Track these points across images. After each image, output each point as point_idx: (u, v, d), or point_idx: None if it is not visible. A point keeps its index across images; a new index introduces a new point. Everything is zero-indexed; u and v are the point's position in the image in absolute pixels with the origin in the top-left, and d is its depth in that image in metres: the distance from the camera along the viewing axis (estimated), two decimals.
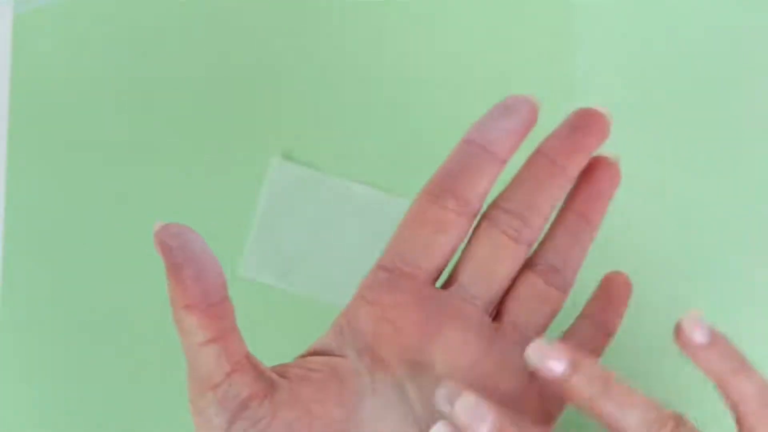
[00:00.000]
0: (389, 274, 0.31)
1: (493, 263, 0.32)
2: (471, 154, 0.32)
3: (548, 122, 0.44)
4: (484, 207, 0.33)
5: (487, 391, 0.28)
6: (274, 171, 0.43)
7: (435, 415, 0.28)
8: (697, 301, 0.44)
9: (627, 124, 0.45)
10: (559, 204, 0.34)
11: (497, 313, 0.33)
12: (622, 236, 0.44)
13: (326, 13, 0.45)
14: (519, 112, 0.32)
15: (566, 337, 0.34)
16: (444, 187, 0.32)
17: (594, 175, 0.34)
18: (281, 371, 0.30)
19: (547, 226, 0.34)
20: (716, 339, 0.28)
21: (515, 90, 0.44)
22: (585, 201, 0.34)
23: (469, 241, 0.33)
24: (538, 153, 0.33)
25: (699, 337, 0.28)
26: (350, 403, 0.29)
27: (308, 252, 0.43)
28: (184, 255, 0.27)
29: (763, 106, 0.45)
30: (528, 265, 0.34)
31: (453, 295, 0.32)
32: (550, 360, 0.26)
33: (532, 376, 0.29)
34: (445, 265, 0.33)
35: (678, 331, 0.28)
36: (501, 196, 0.33)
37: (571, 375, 0.26)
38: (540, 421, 0.31)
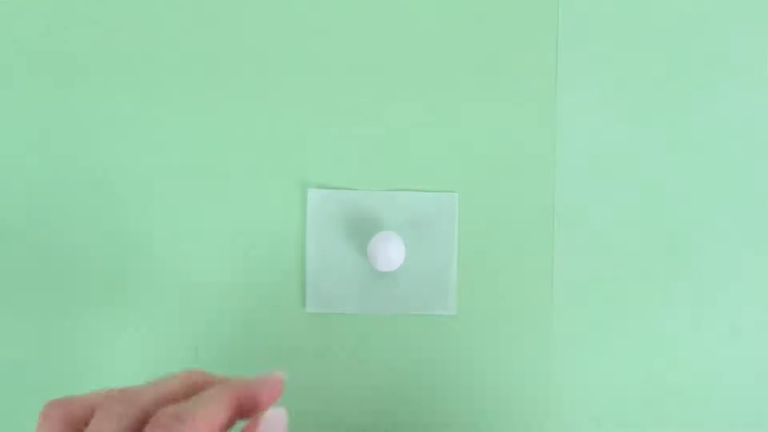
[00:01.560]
0: None
1: None
2: None
3: (531, 116, 0.45)
4: None
5: None
6: (313, 200, 0.44)
7: None
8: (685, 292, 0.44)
9: (607, 113, 0.45)
10: None
11: None
12: (605, 226, 0.44)
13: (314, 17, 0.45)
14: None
15: None
16: None
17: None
18: None
19: None
20: None
21: (502, 81, 0.44)
22: None
23: None
24: None
25: None
26: None
27: (361, 271, 0.44)
28: None
29: (746, 97, 0.45)
30: None
31: None
32: None
33: None
34: None
35: None
36: None
37: None
38: None
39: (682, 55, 0.45)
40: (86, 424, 0.35)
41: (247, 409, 0.31)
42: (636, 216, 0.44)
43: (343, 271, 0.44)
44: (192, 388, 0.34)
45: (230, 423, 0.30)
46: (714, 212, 0.45)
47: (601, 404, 0.44)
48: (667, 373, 0.44)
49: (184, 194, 0.45)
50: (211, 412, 0.31)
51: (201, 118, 0.45)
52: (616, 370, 0.44)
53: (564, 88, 0.45)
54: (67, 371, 0.44)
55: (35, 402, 0.30)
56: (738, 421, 0.44)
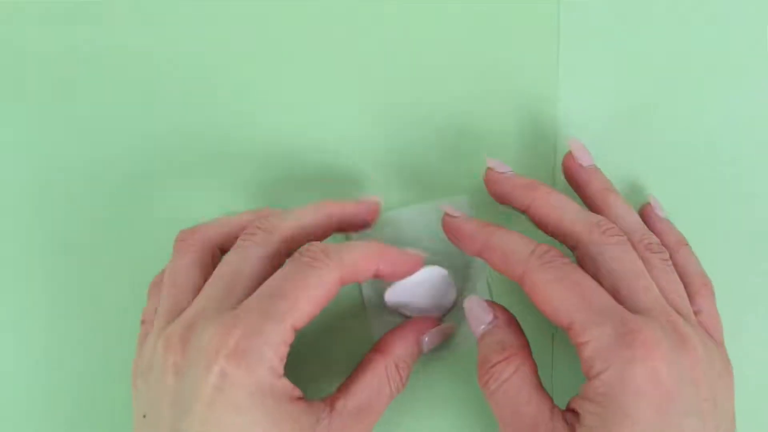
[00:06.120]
0: None
1: None
2: None
3: (532, 114, 0.45)
4: None
5: None
6: None
7: None
8: None
9: (608, 119, 0.45)
10: None
11: None
12: None
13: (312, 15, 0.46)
14: None
15: None
16: None
17: None
18: None
19: None
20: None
21: (500, 85, 0.45)
22: None
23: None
24: None
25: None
26: None
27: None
28: None
29: (747, 96, 0.46)
30: None
31: None
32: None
33: None
34: None
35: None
36: None
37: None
38: None
39: (683, 54, 0.46)
40: (222, 250, 0.36)
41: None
42: None
43: None
44: (327, 221, 0.36)
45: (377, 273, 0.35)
46: (714, 213, 0.45)
47: None
48: None
49: (184, 192, 0.44)
50: (356, 258, 0.32)
51: (201, 116, 0.44)
52: None
53: (564, 87, 0.46)
54: None
55: None
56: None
